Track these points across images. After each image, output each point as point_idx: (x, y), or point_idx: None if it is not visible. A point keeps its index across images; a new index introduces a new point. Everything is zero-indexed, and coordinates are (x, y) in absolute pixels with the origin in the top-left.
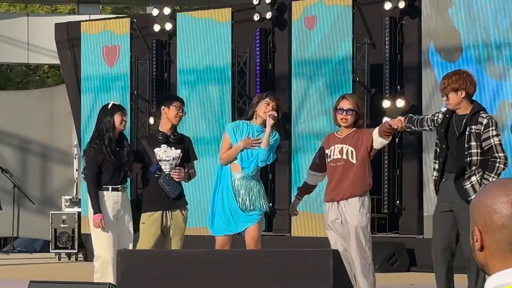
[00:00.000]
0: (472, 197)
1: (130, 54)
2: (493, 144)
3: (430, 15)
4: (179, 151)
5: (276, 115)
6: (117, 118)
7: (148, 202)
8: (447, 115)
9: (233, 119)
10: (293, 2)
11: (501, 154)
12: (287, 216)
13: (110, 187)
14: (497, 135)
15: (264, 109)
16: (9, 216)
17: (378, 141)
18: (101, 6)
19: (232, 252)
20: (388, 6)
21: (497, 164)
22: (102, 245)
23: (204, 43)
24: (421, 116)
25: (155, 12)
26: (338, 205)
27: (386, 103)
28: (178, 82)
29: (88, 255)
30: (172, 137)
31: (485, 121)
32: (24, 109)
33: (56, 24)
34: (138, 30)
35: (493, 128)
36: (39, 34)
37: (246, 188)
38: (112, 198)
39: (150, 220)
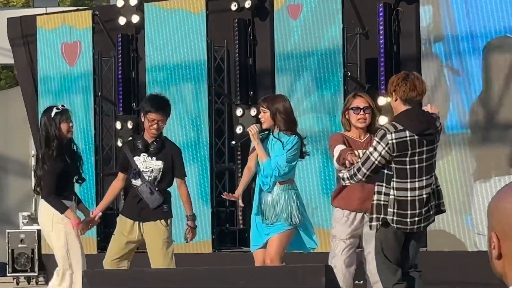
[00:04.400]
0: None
1: (93, 51)
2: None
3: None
4: (160, 162)
5: (253, 128)
6: (63, 126)
7: (123, 208)
8: None
9: (210, 121)
10: None
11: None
12: None
13: (73, 196)
14: (374, 147)
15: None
16: None
17: None
18: None
19: (211, 270)
20: None
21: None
22: (77, 254)
23: (176, 37)
24: None
25: (119, 3)
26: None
27: (382, 100)
28: (147, 81)
29: (50, 278)
30: (152, 146)
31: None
32: None
33: (8, 19)
34: (101, 24)
35: (376, 138)
36: None
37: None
38: (74, 209)
39: (118, 225)
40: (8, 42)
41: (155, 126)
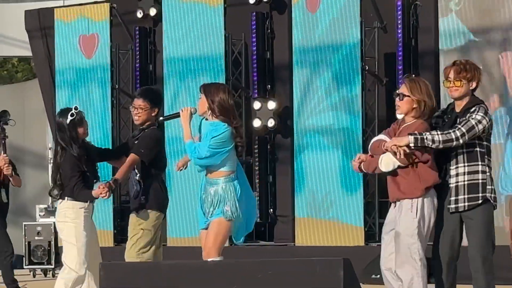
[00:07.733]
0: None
1: (110, 43)
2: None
3: None
4: None
5: (187, 108)
6: (81, 130)
7: None
8: (449, 110)
9: None
10: None
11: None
12: (290, 223)
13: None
14: (478, 120)
15: None
16: None
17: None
18: None
19: (228, 263)
20: None
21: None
22: (81, 256)
23: (194, 30)
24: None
25: None
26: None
27: None
28: (164, 74)
29: None
30: (133, 137)
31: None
32: None
33: (26, 11)
34: (119, 17)
35: (480, 113)
36: (7, 23)
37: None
38: (90, 211)
39: None
40: (25, 35)
41: (135, 111)
